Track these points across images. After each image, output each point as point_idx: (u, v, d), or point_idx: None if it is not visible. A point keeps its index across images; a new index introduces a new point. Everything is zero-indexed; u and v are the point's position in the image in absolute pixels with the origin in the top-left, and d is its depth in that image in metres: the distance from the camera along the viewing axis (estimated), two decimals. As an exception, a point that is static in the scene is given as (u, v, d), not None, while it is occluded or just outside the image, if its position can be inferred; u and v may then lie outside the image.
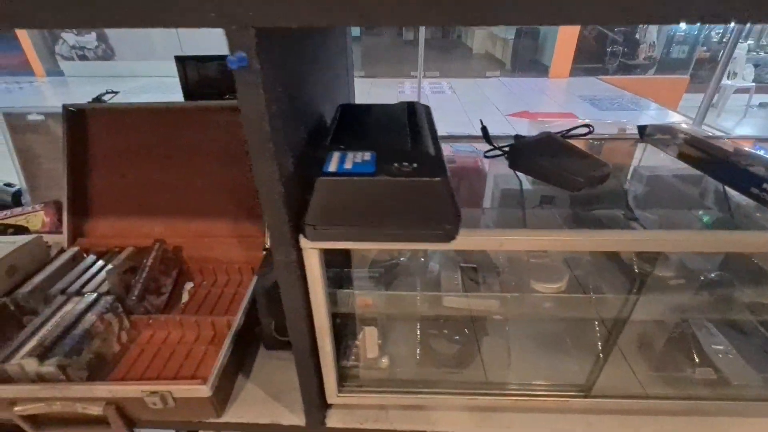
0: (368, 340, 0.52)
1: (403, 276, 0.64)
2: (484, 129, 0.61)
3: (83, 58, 6.29)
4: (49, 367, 0.55)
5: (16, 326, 0.69)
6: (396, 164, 0.40)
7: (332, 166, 0.40)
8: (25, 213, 1.04)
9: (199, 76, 0.88)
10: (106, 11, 0.27)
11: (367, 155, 0.42)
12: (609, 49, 6.83)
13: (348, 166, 0.40)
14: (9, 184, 1.13)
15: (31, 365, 0.56)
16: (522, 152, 0.53)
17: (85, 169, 0.87)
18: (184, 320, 0.71)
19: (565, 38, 6.62)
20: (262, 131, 0.33)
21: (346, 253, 0.59)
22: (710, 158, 0.52)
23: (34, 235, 0.81)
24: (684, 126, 0.61)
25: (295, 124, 0.42)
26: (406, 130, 0.48)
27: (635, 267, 0.53)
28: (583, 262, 0.59)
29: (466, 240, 0.40)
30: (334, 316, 0.51)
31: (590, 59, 6.84)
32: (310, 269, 0.43)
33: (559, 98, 5.83)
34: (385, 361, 0.58)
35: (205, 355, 0.69)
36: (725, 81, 4.86)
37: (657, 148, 0.62)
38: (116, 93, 0.96)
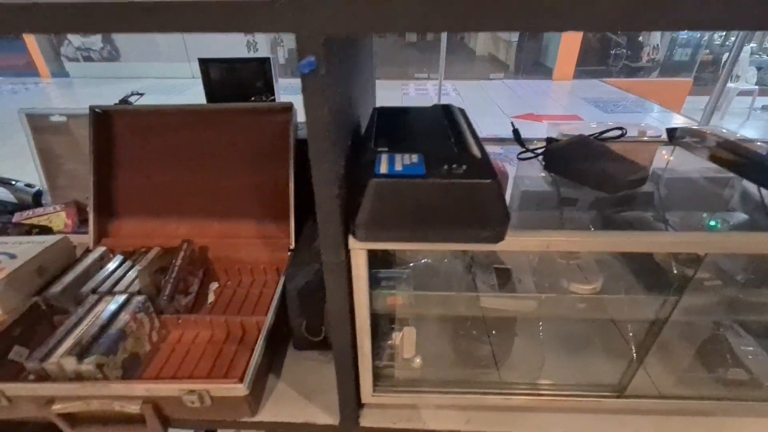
0: (407, 339, 0.53)
1: (429, 277, 0.65)
2: (516, 131, 0.61)
3: (88, 59, 6.32)
4: (88, 366, 0.56)
5: (47, 326, 0.70)
6: (445, 166, 0.40)
7: (383, 168, 0.41)
8: (47, 213, 1.05)
9: (222, 78, 0.88)
10: (186, 17, 0.27)
11: (415, 157, 0.43)
12: (612, 52, 6.85)
13: (398, 168, 0.41)
14: (29, 185, 1.13)
15: (71, 364, 0.56)
16: (558, 154, 0.54)
17: (111, 170, 0.88)
18: (214, 320, 0.72)
19: (568, 41, 6.63)
20: (325, 135, 0.34)
21: (381, 254, 0.60)
22: (745, 160, 0.53)
23: (61, 236, 0.82)
24: (714, 128, 0.62)
25: (345, 127, 0.42)
26: (447, 132, 0.49)
27: (669, 268, 0.53)
28: (614, 265, 0.60)
29: (513, 241, 0.41)
30: (372, 317, 0.52)
31: (594, 62, 6.86)
32: (357, 269, 0.44)
33: (563, 101, 5.84)
34: (418, 360, 0.59)
35: (235, 355, 0.69)
36: (728, 84, 4.87)
37: (687, 151, 0.62)
38: (142, 95, 0.97)
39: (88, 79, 6.27)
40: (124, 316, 0.64)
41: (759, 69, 5.71)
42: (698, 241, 0.42)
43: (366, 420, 0.59)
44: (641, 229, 0.62)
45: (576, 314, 0.54)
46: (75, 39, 6.34)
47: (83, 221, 1.05)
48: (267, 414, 0.61)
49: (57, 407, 0.56)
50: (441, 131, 0.50)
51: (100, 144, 0.86)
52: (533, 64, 7.16)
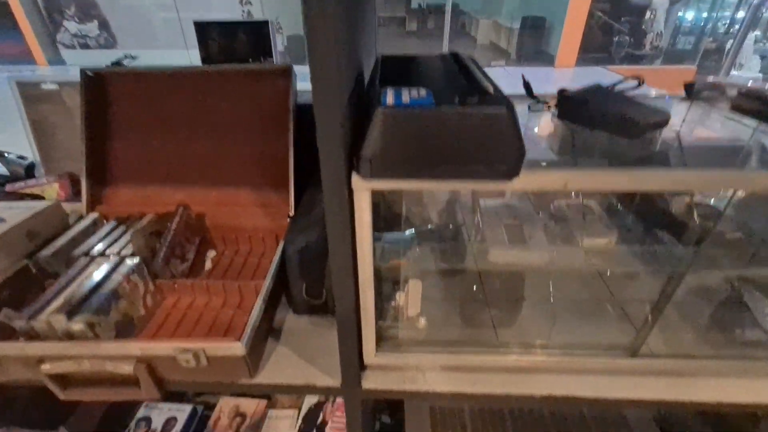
0: (412, 293, 0.51)
1: (435, 241, 0.62)
2: (527, 84, 0.58)
3: (85, 46, 6.23)
4: (78, 324, 0.54)
5: (38, 290, 0.67)
6: (456, 98, 0.37)
7: (389, 100, 0.38)
8: (39, 185, 1.02)
9: (219, 42, 0.85)
10: None
11: (423, 91, 0.40)
12: (615, 39, 6.76)
13: (406, 100, 0.38)
14: (22, 157, 1.10)
15: (60, 322, 0.54)
16: (572, 102, 0.51)
17: (104, 136, 0.85)
18: (211, 285, 0.70)
19: (571, 28, 6.54)
20: (326, 49, 0.31)
21: (385, 214, 0.57)
22: (771, 106, 0.50)
23: (52, 201, 0.79)
24: (735, 79, 0.59)
25: (349, 61, 0.39)
26: (458, 73, 0.46)
27: (687, 222, 0.50)
28: (629, 220, 0.57)
29: (529, 178, 0.38)
30: (375, 278, 0.49)
31: (596, 49, 6.77)
32: (360, 213, 0.41)
33: (566, 87, 5.77)
34: (423, 322, 0.57)
35: (232, 320, 0.67)
36: (732, 72, 4.81)
37: (706, 105, 0.60)
38: (135, 58, 0.94)
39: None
40: (117, 277, 0.61)
41: (763, 58, 5.64)
42: (728, 178, 0.39)
43: (368, 382, 0.57)
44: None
45: (589, 269, 0.52)
46: (71, 26, 6.25)
47: (77, 193, 1.03)
48: (266, 376, 0.58)
49: (47, 367, 0.54)
50: (450, 72, 0.47)
51: (92, 108, 0.83)
52: (535, 52, 7.07)
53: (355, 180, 0.39)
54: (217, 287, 0.70)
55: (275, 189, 0.84)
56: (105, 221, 0.80)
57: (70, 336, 0.55)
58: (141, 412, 1.04)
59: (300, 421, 0.99)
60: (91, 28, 6.23)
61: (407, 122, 0.36)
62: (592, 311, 0.58)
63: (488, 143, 0.36)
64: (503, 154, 0.37)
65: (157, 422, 1.02)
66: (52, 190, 1.01)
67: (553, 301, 0.56)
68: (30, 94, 1.01)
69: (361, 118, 0.39)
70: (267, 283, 0.63)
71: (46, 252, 0.68)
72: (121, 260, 0.65)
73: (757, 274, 0.55)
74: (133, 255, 0.67)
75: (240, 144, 0.84)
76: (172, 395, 1.13)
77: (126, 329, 0.61)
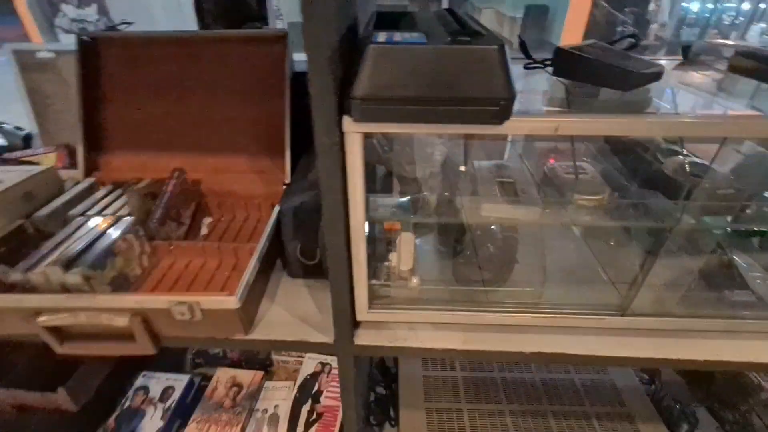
0: (404, 247, 0.51)
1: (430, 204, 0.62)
2: (522, 43, 0.58)
3: (84, 31, 6.17)
4: (74, 276, 0.54)
5: (34, 250, 0.68)
6: (449, 37, 0.37)
7: (381, 39, 0.38)
8: (37, 154, 1.02)
9: (215, 5, 0.84)
10: None
11: (416, 34, 0.40)
12: (619, 29, 6.70)
13: (398, 39, 0.38)
14: (19, 128, 1.10)
15: (56, 274, 0.54)
16: (569, 58, 0.51)
17: (99, 102, 0.85)
18: (207, 247, 0.70)
19: (574, 18, 6.47)
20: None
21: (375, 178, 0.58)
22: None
23: (48, 166, 0.79)
24: (731, 42, 0.58)
25: (341, 6, 0.39)
26: (452, 21, 0.46)
27: (679, 179, 0.51)
28: (622, 182, 0.57)
29: (520, 123, 0.38)
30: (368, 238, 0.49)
31: (599, 39, 6.71)
32: (351, 157, 0.41)
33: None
34: (415, 280, 0.57)
35: (227, 281, 0.68)
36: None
37: (703, 66, 0.59)
38: (130, 24, 0.93)
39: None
40: (113, 234, 0.62)
41: (767, 49, 5.59)
42: (720, 123, 0.39)
43: (361, 338, 0.57)
44: (653, 150, 0.59)
45: (581, 225, 0.52)
46: (69, 10, 6.18)
47: (74, 165, 1.02)
48: (260, 334, 0.59)
49: (43, 319, 0.55)
50: (445, 21, 0.47)
51: (88, 74, 0.83)
52: (538, 41, 7.01)
53: (347, 123, 0.39)
54: (213, 249, 0.70)
55: (271, 156, 0.84)
56: (101, 186, 0.81)
57: (65, 289, 0.55)
58: (139, 381, 1.06)
59: (296, 390, 1.00)
60: (90, 12, 6.16)
61: (399, 60, 0.36)
62: (582, 270, 0.59)
63: (479, 83, 0.36)
64: (493, 94, 0.37)
65: (155, 391, 1.03)
66: (49, 160, 1.01)
67: (543, 260, 0.57)
68: (26, 63, 1.01)
69: (353, 63, 0.39)
70: (262, 242, 0.64)
71: (43, 212, 0.69)
72: (117, 219, 0.65)
73: (746, 231, 0.55)
74: (128, 215, 0.67)
75: (236, 111, 0.84)
76: (170, 366, 1.14)
77: (121, 287, 0.62)
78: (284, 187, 0.80)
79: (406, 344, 0.57)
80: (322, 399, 0.98)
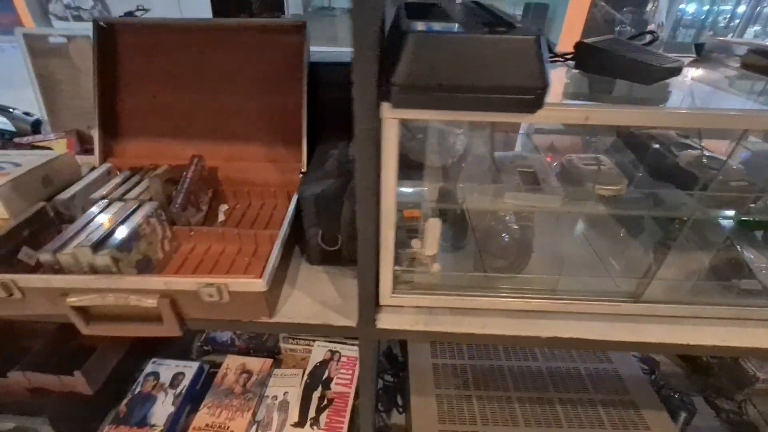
0: (430, 232, 0.52)
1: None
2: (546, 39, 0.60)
3: (78, 18, 6.05)
4: (103, 258, 0.55)
5: (55, 233, 0.68)
6: (485, 28, 0.39)
7: (420, 28, 0.39)
8: (47, 140, 1.02)
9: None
10: None
11: (452, 24, 0.41)
12: (617, 29, 6.75)
13: (437, 28, 0.39)
14: (28, 113, 1.10)
15: (86, 255, 0.55)
16: (591, 51, 0.53)
17: (115, 88, 0.85)
18: (226, 233, 0.71)
19: (573, 16, 6.50)
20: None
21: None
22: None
23: (64, 151, 0.79)
24: (744, 40, 0.60)
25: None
26: (483, 13, 0.47)
27: (695, 172, 0.53)
28: (639, 174, 0.59)
29: (551, 112, 0.40)
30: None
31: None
32: (387, 143, 0.43)
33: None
34: (437, 266, 0.59)
35: (248, 267, 0.69)
36: (732, 64, 4.82)
37: (716, 64, 0.61)
38: (147, 10, 0.93)
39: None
40: (137, 219, 0.62)
41: (762, 51, 5.66)
42: (735, 117, 0.41)
43: (383, 322, 0.59)
44: (666, 144, 0.61)
45: (601, 213, 0.54)
46: (64, -3, 6.08)
47: (85, 151, 1.02)
48: (283, 317, 0.60)
49: (72, 300, 0.55)
50: (475, 12, 0.48)
51: (104, 60, 0.83)
52: (536, 40, 7.03)
53: (385, 109, 0.41)
54: (233, 235, 0.71)
55: (286, 145, 0.85)
56: (118, 172, 0.81)
57: (94, 270, 0.56)
58: (149, 368, 1.06)
59: (306, 377, 1.02)
60: (85, -1, 6.08)
61: (438, 48, 0.37)
62: (597, 258, 0.61)
63: (515, 72, 0.38)
64: (529, 84, 0.38)
65: (165, 377, 1.04)
66: (60, 146, 1.01)
67: (560, 247, 0.58)
68: (37, 48, 1.00)
69: (387, 52, 0.41)
70: (285, 227, 0.65)
71: (63, 196, 0.69)
72: (140, 203, 0.66)
73: (754, 222, 0.58)
74: (150, 200, 0.68)
75: (252, 99, 0.85)
76: (177, 354, 1.15)
77: (145, 270, 0.63)
78: (300, 175, 0.81)
79: (427, 328, 0.59)
80: (332, 385, 0.99)
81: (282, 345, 1.16)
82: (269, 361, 1.10)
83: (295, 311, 0.61)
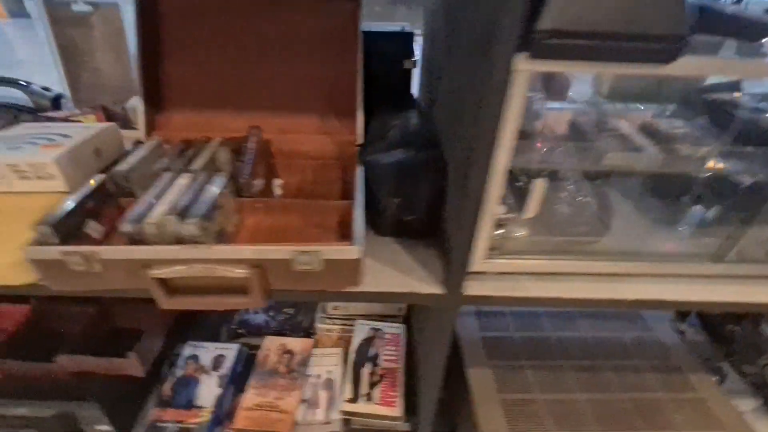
0: (537, 194, 0.52)
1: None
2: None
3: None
4: (191, 227, 0.52)
5: (114, 208, 0.65)
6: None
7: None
8: (73, 115, 0.96)
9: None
10: None
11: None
12: None
13: (579, -24, 0.38)
14: (46, 88, 1.03)
15: (172, 224, 0.53)
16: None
17: (158, 58, 0.81)
18: (291, 205, 0.69)
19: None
20: None
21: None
22: None
23: (110, 123, 0.76)
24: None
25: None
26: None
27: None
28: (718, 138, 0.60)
29: (687, 63, 0.40)
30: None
31: None
32: (515, 98, 0.42)
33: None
34: (526, 230, 0.59)
35: (319, 240, 0.67)
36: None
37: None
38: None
39: (52, 21, 5.73)
40: (212, 189, 0.60)
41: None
42: None
43: (471, 288, 0.59)
44: (742, 107, 0.62)
45: (692, 172, 0.55)
46: (34, -25, 5.73)
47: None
48: (369, 286, 0.59)
49: (155, 272, 0.53)
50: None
51: (146, 28, 0.79)
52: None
53: (519, 60, 0.40)
54: (299, 207, 0.69)
55: (339, 117, 0.83)
56: (166, 144, 0.77)
57: (178, 240, 0.54)
58: (187, 351, 1.04)
59: (354, 354, 1.01)
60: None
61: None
62: (683, 218, 0.62)
63: (660, 20, 0.37)
64: (674, 32, 0.38)
65: (205, 359, 1.02)
66: (89, 122, 0.96)
67: (645, 209, 0.59)
68: (59, 17, 0.94)
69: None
70: (360, 197, 0.63)
71: (122, 167, 0.65)
72: (211, 174, 0.63)
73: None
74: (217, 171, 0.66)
75: (303, 69, 0.82)
76: (206, 337, 1.13)
77: (222, 242, 0.61)
78: (357, 148, 0.80)
79: (514, 294, 0.59)
80: (379, 362, 0.99)
81: (318, 325, 1.16)
82: (309, 340, 1.09)
83: (378, 280, 0.60)
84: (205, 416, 0.91)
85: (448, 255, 0.60)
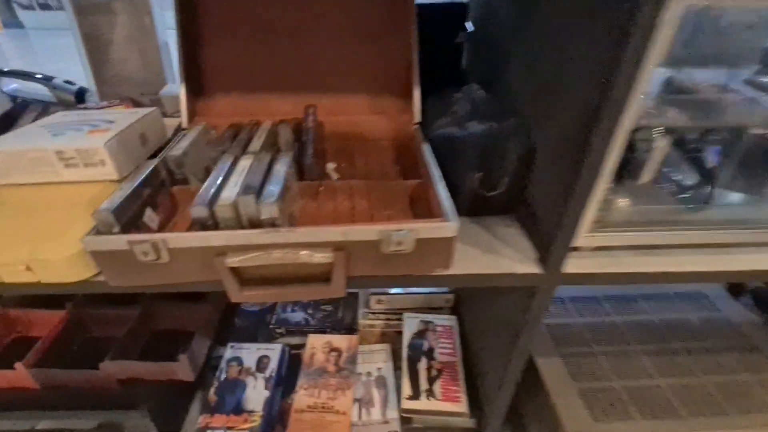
0: (657, 155, 0.47)
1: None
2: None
3: (45, 7, 5.68)
4: (270, 208, 0.47)
5: (166, 197, 0.60)
6: None
7: None
8: (101, 107, 0.91)
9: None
10: None
11: None
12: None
13: None
14: (69, 82, 0.98)
15: (248, 205, 0.47)
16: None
17: (198, 41, 0.75)
18: (356, 187, 0.64)
19: None
20: None
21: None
22: None
23: (152, 108, 0.70)
24: None
25: None
26: None
27: None
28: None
29: None
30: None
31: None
32: (660, 43, 0.37)
33: None
34: (627, 201, 0.54)
35: (391, 221, 0.62)
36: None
37: None
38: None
39: (46, 30, 5.66)
40: (279, 170, 0.55)
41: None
42: None
43: (572, 265, 0.54)
44: None
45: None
46: (26, -16, 5.66)
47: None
48: (458, 268, 0.54)
49: (232, 260, 0.48)
50: None
51: (185, 10, 0.73)
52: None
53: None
54: (363, 188, 0.64)
55: (392, 95, 0.78)
56: (212, 130, 0.72)
57: (253, 224, 0.48)
58: (228, 353, 0.98)
59: (407, 349, 0.96)
60: (51, -14, 5.66)
61: None
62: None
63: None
64: None
65: (249, 361, 0.97)
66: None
67: (758, 174, 0.54)
68: (83, 6, 0.89)
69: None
70: (436, 172, 0.58)
71: (175, 152, 0.60)
72: (274, 156, 0.58)
73: None
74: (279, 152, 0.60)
75: (351, 48, 0.77)
76: (250, 338, 1.08)
77: (291, 225, 0.55)
78: (416, 126, 0.74)
79: (620, 269, 0.54)
80: (435, 356, 0.94)
81: (361, 321, 1.10)
82: (355, 337, 1.04)
83: (467, 262, 0.55)
84: (255, 420, 0.85)
85: (541, 231, 0.54)
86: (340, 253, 0.48)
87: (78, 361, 0.81)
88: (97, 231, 0.47)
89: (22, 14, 5.68)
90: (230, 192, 0.49)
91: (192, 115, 0.76)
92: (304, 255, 0.48)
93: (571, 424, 0.70)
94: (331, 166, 0.75)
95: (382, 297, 1.08)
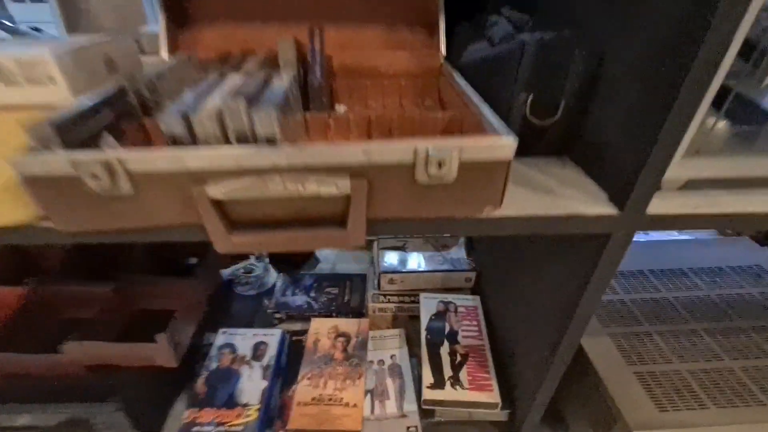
0: None
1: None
2: None
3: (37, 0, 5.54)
4: (267, 120, 0.35)
5: (136, 129, 0.47)
6: None
7: None
8: (71, 53, 0.78)
9: None
10: None
11: None
12: None
13: None
14: (36, 29, 0.85)
15: (237, 115, 0.35)
16: None
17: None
18: (375, 120, 0.52)
19: None
20: None
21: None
22: None
23: (123, 34, 0.58)
24: None
25: None
26: None
27: None
28: None
29: None
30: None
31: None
32: None
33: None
34: (723, 122, 0.42)
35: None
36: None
37: None
38: None
39: (37, 24, 5.52)
40: (279, 84, 0.42)
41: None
42: None
43: (656, 206, 0.41)
44: None
45: None
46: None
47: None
48: (510, 209, 0.42)
49: (214, 189, 0.35)
50: None
51: None
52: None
53: None
54: (381, 122, 0.52)
55: (413, 26, 0.65)
56: (199, 62, 0.60)
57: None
58: (220, 339, 0.86)
59: (426, 332, 0.84)
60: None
61: None
62: None
63: None
64: None
65: (244, 348, 0.84)
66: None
67: None
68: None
69: None
70: (474, 93, 0.46)
71: (148, 73, 0.48)
72: (270, 73, 0.46)
73: None
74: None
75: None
76: (245, 323, 0.96)
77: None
78: (443, 62, 0.62)
79: (715, 210, 0.42)
80: (459, 339, 0.82)
81: (371, 305, 0.98)
82: (365, 320, 0.92)
83: (522, 204, 0.43)
84: (251, 415, 0.73)
85: (614, 167, 0.42)
86: (361, 181, 0.36)
87: (42, 344, 0.69)
88: (34, 149, 0.35)
89: (12, 7, 5.54)
90: (214, 102, 0.37)
91: (174, 48, 0.64)
92: (314, 181, 0.36)
93: (632, 416, 0.58)
94: (341, 108, 0.63)
95: (395, 276, 0.96)
